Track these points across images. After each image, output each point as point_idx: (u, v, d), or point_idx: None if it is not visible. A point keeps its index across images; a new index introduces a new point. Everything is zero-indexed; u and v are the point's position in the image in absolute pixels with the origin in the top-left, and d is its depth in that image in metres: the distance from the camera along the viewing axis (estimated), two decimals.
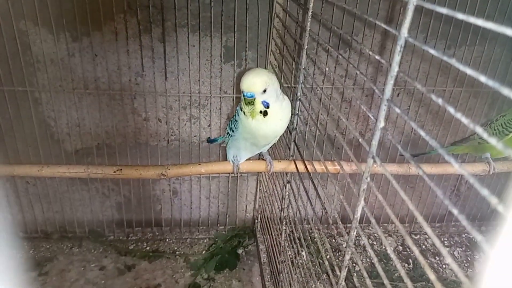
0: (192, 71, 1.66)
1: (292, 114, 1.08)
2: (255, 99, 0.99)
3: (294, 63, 1.63)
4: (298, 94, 1.09)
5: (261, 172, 1.80)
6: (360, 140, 0.63)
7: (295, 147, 1.16)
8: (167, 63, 1.63)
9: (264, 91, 0.98)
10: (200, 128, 1.79)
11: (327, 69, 0.82)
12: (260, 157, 1.58)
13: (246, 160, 1.19)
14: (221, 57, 1.64)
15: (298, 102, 1.10)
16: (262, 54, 1.65)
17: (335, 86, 1.73)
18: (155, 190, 1.91)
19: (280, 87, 1.03)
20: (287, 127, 1.08)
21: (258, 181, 1.92)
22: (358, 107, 1.82)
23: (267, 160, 1.20)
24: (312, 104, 1.74)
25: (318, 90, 1.71)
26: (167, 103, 1.71)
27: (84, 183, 1.83)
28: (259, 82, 0.97)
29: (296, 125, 1.15)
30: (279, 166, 1.19)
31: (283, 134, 1.38)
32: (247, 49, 1.64)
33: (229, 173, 1.87)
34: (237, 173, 1.15)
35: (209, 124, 1.79)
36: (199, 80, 1.68)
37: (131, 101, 1.69)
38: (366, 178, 0.60)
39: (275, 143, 1.51)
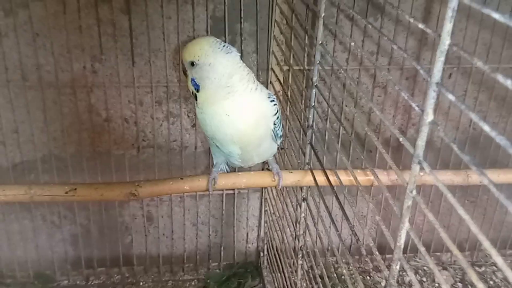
0: (169, 52, 1.66)
1: (275, 115, 1.13)
2: (186, 71, 1.08)
3: (307, 37, 1.64)
4: (314, 79, 1.09)
5: (266, 188, 1.82)
6: (400, 139, 0.63)
7: (312, 152, 1.16)
8: (134, 43, 1.63)
9: (192, 64, 1.06)
10: (182, 130, 1.78)
11: (352, 44, 0.85)
12: (264, 166, 1.63)
13: (243, 171, 1.22)
14: (207, 32, 1.64)
15: (314, 90, 1.10)
16: (263, 26, 1.67)
17: (363, 66, 1.74)
18: (123, 216, 1.91)
19: (254, 76, 1.08)
20: (283, 126, 1.11)
21: (263, 200, 1.92)
22: (396, 94, 1.81)
23: (274, 170, 1.21)
24: (334, 92, 1.74)
25: (340, 72, 1.70)
26: (136, 96, 1.71)
27: (25, 209, 1.81)
28: (189, 50, 1.05)
29: (313, 121, 1.14)
30: (290, 178, 1.19)
31: (294, 134, 1.42)
32: (242, 20, 1.64)
33: (222, 191, 1.89)
34: (211, 191, 1.20)
35: (194, 124, 1.78)
36: (178, 65, 1.67)
37: (87, 96, 1.69)
38: (411, 192, 0.60)
39: (282, 147, 1.52)
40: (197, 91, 1.08)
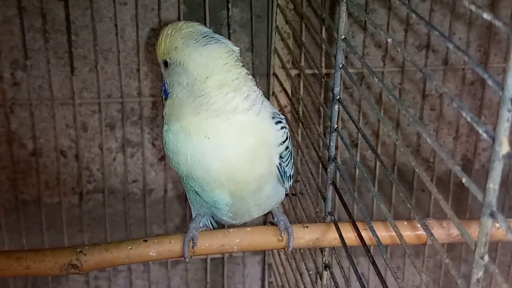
0: (124, 53, 1.67)
1: (282, 144, 1.14)
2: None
3: (324, 29, 1.62)
4: (336, 89, 1.10)
5: (270, 250, 1.81)
6: (463, 180, 0.63)
7: (336, 196, 1.17)
8: (74, 41, 1.64)
9: (166, 65, 1.09)
10: (145, 165, 1.78)
11: (389, 39, 0.84)
12: (267, 217, 1.64)
13: (234, 228, 1.21)
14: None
15: (336, 106, 1.11)
16: (260, 13, 1.68)
17: (407, 69, 1.74)
18: None
19: (251, 82, 1.10)
20: (281, 162, 1.14)
21: (266, 267, 1.92)
22: (455, 111, 1.81)
23: (281, 225, 1.19)
24: (364, 107, 1.77)
25: (374, 78, 1.79)
26: (77, 118, 1.70)
27: None
28: (161, 43, 1.10)
29: (335, 151, 1.17)
30: (306, 235, 1.19)
31: (309, 170, 1.43)
32: (230, 4, 1.64)
33: (205, 256, 1.82)
34: (188, 258, 1.16)
35: (162, 156, 1.76)
36: (138, 71, 1.68)
37: (4, 119, 1.67)
38: (482, 258, 0.60)
39: (294, 193, 1.54)
40: (165, 98, 1.11)
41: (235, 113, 1.05)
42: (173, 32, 1.07)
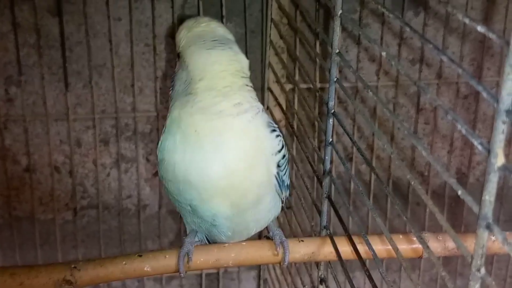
0: (119, 69, 1.65)
1: (279, 153, 1.13)
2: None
3: (318, 44, 1.64)
4: (330, 103, 1.09)
5: (266, 265, 1.79)
6: (459, 193, 0.63)
7: (331, 210, 1.16)
8: (68, 57, 1.62)
9: (178, 56, 1.13)
10: (140, 180, 1.76)
11: (383, 53, 0.85)
12: (262, 233, 1.57)
13: (227, 243, 1.20)
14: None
15: (331, 120, 1.10)
16: (254, 28, 1.67)
17: (401, 83, 1.73)
18: None
19: (249, 79, 1.11)
20: (279, 171, 1.14)
21: (262, 282, 1.90)
22: (449, 124, 1.79)
23: (276, 239, 1.18)
24: (359, 121, 1.74)
25: (368, 92, 1.79)
26: (71, 134, 1.70)
27: None
28: (180, 34, 1.14)
29: (330, 165, 1.16)
30: (301, 249, 1.18)
31: (304, 184, 1.42)
32: (224, 19, 1.62)
33: (201, 271, 1.80)
34: (183, 273, 1.15)
35: (157, 171, 1.71)
36: (132, 86, 1.66)
37: None
38: (478, 271, 0.60)
39: (289, 206, 1.56)
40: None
41: (221, 115, 1.04)
42: (190, 27, 1.09)
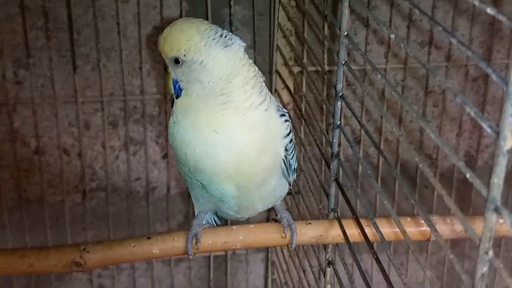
0: (126, 52, 1.66)
1: (287, 137, 1.15)
2: (167, 68, 1.09)
3: (326, 26, 1.65)
4: (339, 86, 1.09)
5: (273, 247, 1.83)
6: (467, 175, 0.62)
7: (339, 193, 1.17)
8: (76, 39, 1.63)
9: (177, 61, 1.06)
10: (148, 163, 1.78)
11: (392, 36, 0.86)
12: (270, 214, 1.68)
13: (237, 225, 1.22)
14: None
15: (339, 102, 1.11)
16: (262, 11, 1.68)
17: (409, 65, 1.75)
18: None
19: (257, 77, 1.10)
20: (289, 156, 1.15)
21: (269, 264, 1.93)
22: (458, 107, 1.81)
23: (284, 222, 1.19)
24: (367, 104, 1.78)
25: (377, 75, 1.80)
26: (80, 117, 1.71)
27: None
28: (171, 40, 1.06)
29: (338, 147, 1.16)
30: (309, 232, 1.19)
31: (312, 167, 1.43)
32: (232, 1, 1.66)
33: (209, 253, 1.84)
34: (192, 255, 1.17)
35: (165, 154, 1.76)
36: (140, 69, 1.68)
37: (7, 117, 1.67)
38: (486, 253, 0.60)
39: (297, 191, 1.57)
40: (177, 97, 1.09)
41: (250, 109, 1.07)
42: (189, 29, 1.05)
